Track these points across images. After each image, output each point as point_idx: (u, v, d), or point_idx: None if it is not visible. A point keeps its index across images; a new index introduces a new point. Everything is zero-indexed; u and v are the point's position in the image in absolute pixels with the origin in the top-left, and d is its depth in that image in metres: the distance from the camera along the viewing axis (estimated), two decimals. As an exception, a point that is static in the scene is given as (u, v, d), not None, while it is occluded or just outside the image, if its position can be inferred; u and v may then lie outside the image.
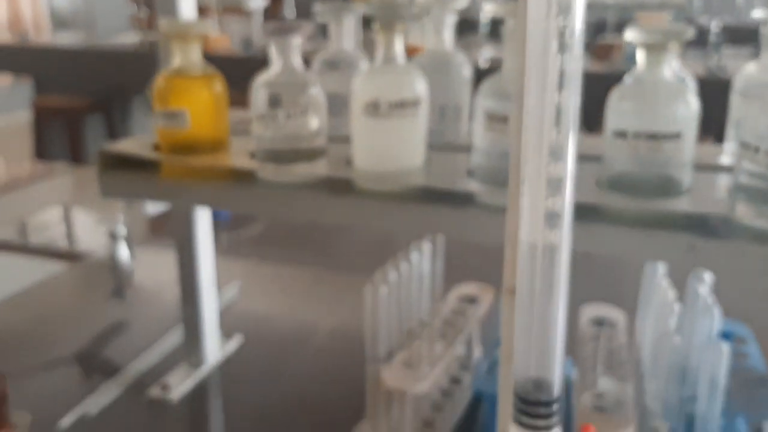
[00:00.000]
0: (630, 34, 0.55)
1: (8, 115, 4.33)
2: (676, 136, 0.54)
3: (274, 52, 0.63)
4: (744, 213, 0.53)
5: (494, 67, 0.68)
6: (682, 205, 0.55)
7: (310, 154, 0.64)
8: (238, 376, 0.82)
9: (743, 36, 3.04)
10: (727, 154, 0.64)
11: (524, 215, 0.30)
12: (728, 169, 0.60)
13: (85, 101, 3.84)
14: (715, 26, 3.02)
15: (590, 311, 0.75)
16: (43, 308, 1.01)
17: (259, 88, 0.63)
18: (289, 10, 3.61)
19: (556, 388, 0.28)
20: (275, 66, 0.63)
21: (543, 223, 0.28)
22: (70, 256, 1.19)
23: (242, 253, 1.17)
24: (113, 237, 1.09)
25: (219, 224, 1.25)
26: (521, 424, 0.28)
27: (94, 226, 1.42)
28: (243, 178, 0.64)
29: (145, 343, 0.87)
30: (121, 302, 1.04)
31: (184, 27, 0.65)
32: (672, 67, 0.57)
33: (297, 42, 0.63)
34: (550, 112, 0.28)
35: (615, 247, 0.55)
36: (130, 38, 4.02)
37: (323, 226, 1.26)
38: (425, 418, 0.69)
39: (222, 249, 1.10)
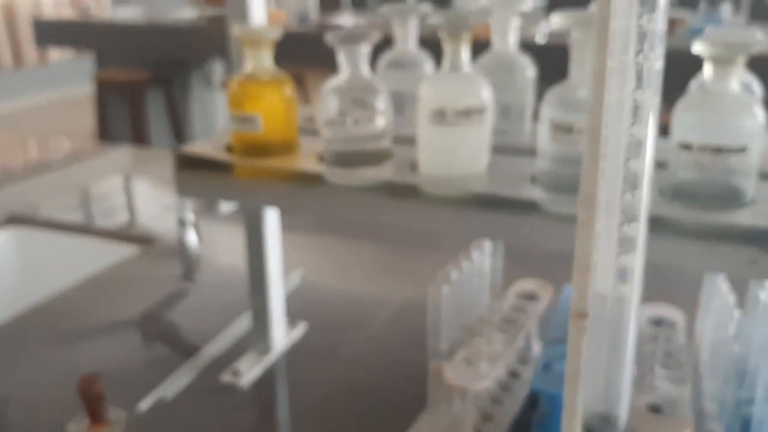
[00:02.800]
0: (697, 47, 0.55)
1: (70, 88, 4.45)
2: (741, 149, 0.55)
3: (343, 59, 0.65)
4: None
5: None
6: (744, 217, 0.55)
7: (376, 157, 0.66)
8: (303, 362, 0.85)
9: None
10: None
11: (600, 242, 0.32)
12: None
13: (146, 75, 3.93)
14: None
15: (650, 311, 0.76)
16: (115, 290, 1.07)
17: (329, 95, 0.65)
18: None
19: (623, 423, 0.29)
20: (344, 72, 0.65)
21: (616, 249, 0.30)
22: (139, 239, 1.24)
23: (301, 237, 1.20)
24: (182, 223, 1.14)
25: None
26: None
27: (154, 199, 1.48)
28: (311, 180, 0.66)
29: (214, 329, 0.91)
30: (190, 286, 1.08)
31: (257, 33, 0.67)
32: (739, 78, 0.57)
33: (365, 50, 0.64)
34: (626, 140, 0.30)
35: (675, 258, 0.56)
36: (188, 13, 4.07)
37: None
38: (485, 412, 0.72)
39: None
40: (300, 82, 3.79)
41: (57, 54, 4.32)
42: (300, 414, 0.78)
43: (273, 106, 0.68)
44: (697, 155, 0.55)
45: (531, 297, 0.81)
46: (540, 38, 2.58)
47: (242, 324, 0.92)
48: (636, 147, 0.36)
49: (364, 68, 0.65)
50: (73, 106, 4.24)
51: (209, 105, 4.41)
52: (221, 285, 1.08)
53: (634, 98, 0.34)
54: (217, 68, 4.39)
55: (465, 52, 0.62)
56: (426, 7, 0.75)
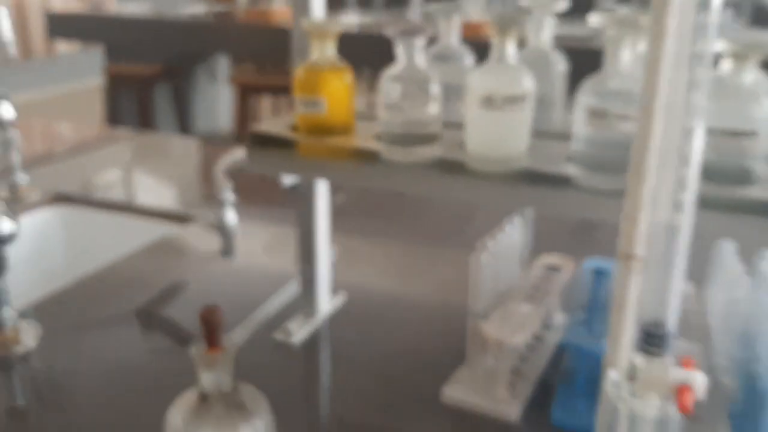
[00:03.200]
0: (719, 44, 0.64)
1: (79, 81, 4.51)
2: (752, 133, 0.64)
3: (401, 50, 0.74)
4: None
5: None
6: (755, 192, 0.64)
7: (429, 138, 0.75)
8: (346, 326, 0.94)
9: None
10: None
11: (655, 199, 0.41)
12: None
13: (154, 69, 4.00)
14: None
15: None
16: (161, 264, 1.15)
17: (389, 81, 0.74)
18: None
19: (670, 326, 0.38)
20: (401, 61, 0.74)
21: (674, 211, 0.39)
22: (178, 217, 1.32)
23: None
24: (221, 202, 1.22)
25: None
26: (646, 352, 0.38)
27: (156, 190, 1.56)
28: (370, 157, 0.75)
29: (259, 297, 1.00)
30: (230, 261, 1.17)
31: (323, 25, 0.76)
32: (752, 72, 0.66)
33: (421, 42, 0.73)
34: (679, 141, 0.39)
35: (696, 227, 0.65)
36: (196, 8, 4.14)
37: (407, 200, 1.37)
38: (514, 367, 0.81)
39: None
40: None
41: (65, 47, 4.38)
42: (346, 369, 0.86)
43: (336, 91, 0.76)
44: (713, 138, 0.64)
45: (555, 269, 0.90)
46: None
47: (288, 292, 1.00)
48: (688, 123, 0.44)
49: (420, 59, 0.74)
50: (80, 99, 4.31)
51: (214, 99, 4.49)
52: (258, 258, 1.17)
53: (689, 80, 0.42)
54: (221, 63, 4.47)
55: (511, 47, 0.70)
56: (468, 5, 0.84)
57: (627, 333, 0.41)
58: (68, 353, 0.88)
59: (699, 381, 0.39)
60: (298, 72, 0.78)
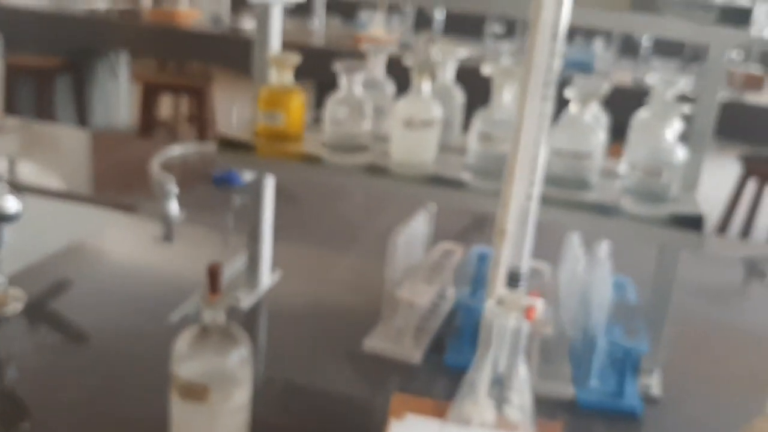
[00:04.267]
0: (567, 92, 0.92)
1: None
2: (589, 154, 0.92)
3: (344, 80, 0.97)
4: (628, 203, 0.91)
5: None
6: (591, 196, 0.93)
7: (362, 148, 0.99)
8: (284, 296, 1.16)
9: (673, 49, 3.48)
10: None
11: (515, 196, 0.67)
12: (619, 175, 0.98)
13: (55, 62, 4.03)
14: (645, 39, 3.45)
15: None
16: (118, 248, 1.33)
17: (333, 104, 0.98)
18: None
19: (524, 271, 0.63)
20: (343, 89, 0.98)
21: (527, 200, 0.65)
22: (122, 206, 1.50)
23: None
24: (165, 193, 1.41)
25: (233, 188, 1.58)
26: (509, 287, 0.64)
27: (41, 179, 1.66)
28: (316, 160, 0.98)
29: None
30: (171, 245, 1.36)
31: (285, 58, 0.99)
32: (591, 110, 0.95)
33: (360, 77, 0.97)
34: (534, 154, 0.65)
35: (549, 219, 0.92)
36: (99, 4, 4.19)
37: (335, 196, 1.61)
38: (419, 324, 1.06)
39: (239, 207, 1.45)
40: (208, 80, 4.03)
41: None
42: (286, 329, 1.09)
43: (292, 108, 0.99)
44: (563, 157, 0.92)
45: (449, 253, 1.17)
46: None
47: (231, 269, 1.22)
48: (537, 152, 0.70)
49: (357, 88, 0.98)
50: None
51: (114, 94, 4.53)
52: (196, 243, 1.37)
53: (539, 120, 0.69)
54: (122, 59, 4.52)
55: (426, 84, 0.96)
56: (395, 49, 1.09)
57: (500, 277, 0.66)
58: None
59: (540, 304, 0.64)
60: (262, 91, 1.00)
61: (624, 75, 3.26)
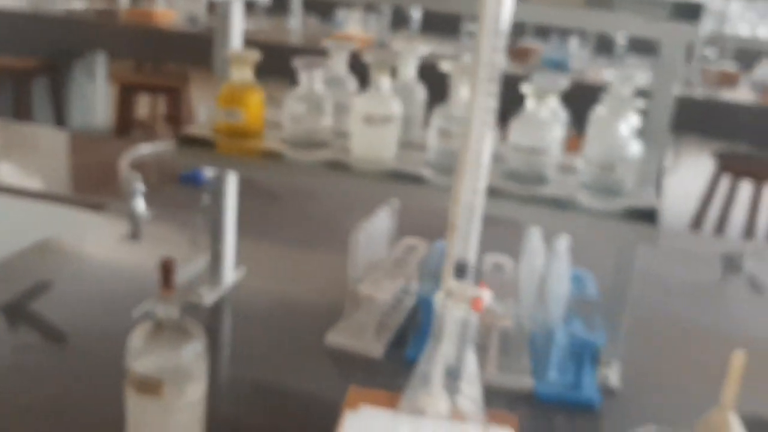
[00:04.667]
0: (524, 87, 0.93)
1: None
2: (545, 150, 0.93)
3: (304, 77, 0.98)
4: (584, 197, 0.92)
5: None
6: (548, 190, 0.94)
7: (322, 144, 1.00)
8: (248, 292, 1.17)
9: (648, 47, 3.51)
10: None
11: (465, 189, 0.67)
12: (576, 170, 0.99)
13: (32, 63, 4.00)
14: (620, 37, 3.47)
15: (490, 258, 1.14)
16: (85, 247, 1.32)
17: (293, 100, 0.98)
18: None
19: (471, 263, 0.64)
20: (303, 86, 0.98)
21: (473, 195, 0.65)
22: (92, 205, 1.49)
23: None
24: (133, 191, 1.41)
25: (200, 186, 1.58)
26: (457, 278, 0.64)
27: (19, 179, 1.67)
28: (276, 157, 0.99)
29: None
30: (138, 243, 1.36)
31: (244, 55, 0.99)
32: (549, 106, 0.96)
33: (320, 73, 0.98)
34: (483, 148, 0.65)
35: (508, 214, 0.93)
36: (76, 4, 4.16)
37: (298, 195, 1.61)
38: (381, 319, 1.07)
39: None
40: (185, 80, 4.02)
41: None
42: (247, 324, 1.09)
43: (252, 106, 1.00)
44: (521, 152, 0.93)
45: (413, 248, 1.17)
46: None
47: (196, 266, 1.21)
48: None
49: (318, 84, 0.99)
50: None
51: (91, 94, 4.51)
52: (162, 241, 1.37)
53: (484, 115, 0.69)
54: (100, 59, 4.50)
55: (385, 80, 0.96)
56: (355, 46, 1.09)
57: (449, 268, 0.67)
58: None
59: (486, 295, 0.65)
60: (223, 89, 1.00)
61: (599, 73, 3.28)
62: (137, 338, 0.78)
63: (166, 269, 0.76)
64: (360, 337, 1.04)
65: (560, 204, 0.92)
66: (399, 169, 0.96)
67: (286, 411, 0.91)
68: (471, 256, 0.65)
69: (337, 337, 1.04)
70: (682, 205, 3.63)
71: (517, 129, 0.94)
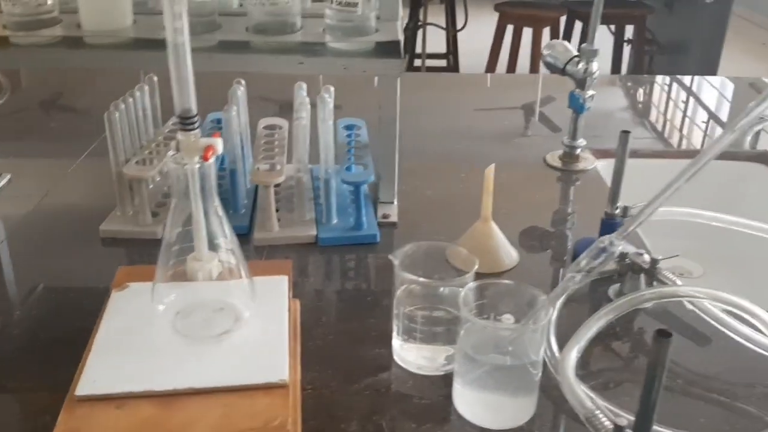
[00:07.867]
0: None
1: None
2: (287, -4, 0.91)
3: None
4: (332, 40, 0.92)
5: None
6: (296, 38, 0.92)
7: (50, 22, 0.91)
8: (13, 198, 1.08)
9: None
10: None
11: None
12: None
13: None
14: None
15: (264, 122, 1.13)
16: None
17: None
18: None
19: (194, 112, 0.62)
20: (14, -42, 0.88)
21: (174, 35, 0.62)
22: None
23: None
24: None
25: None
26: (184, 130, 0.62)
27: None
28: (1, 42, 0.89)
29: None
30: None
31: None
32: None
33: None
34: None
35: (260, 67, 0.91)
36: None
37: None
38: (158, 201, 1.03)
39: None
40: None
41: None
42: (14, 230, 1.02)
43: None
44: (263, 4, 0.90)
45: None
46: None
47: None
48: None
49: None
50: None
51: None
52: None
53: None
54: None
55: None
56: None
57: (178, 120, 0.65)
58: None
59: (218, 143, 0.64)
60: None
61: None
62: None
63: None
64: (137, 221, 1.00)
65: (310, 49, 0.91)
66: (140, 36, 0.90)
67: (67, 309, 0.87)
68: (192, 104, 0.62)
69: (111, 226, 1.00)
70: (478, 57, 3.79)
71: (254, -22, 0.91)
